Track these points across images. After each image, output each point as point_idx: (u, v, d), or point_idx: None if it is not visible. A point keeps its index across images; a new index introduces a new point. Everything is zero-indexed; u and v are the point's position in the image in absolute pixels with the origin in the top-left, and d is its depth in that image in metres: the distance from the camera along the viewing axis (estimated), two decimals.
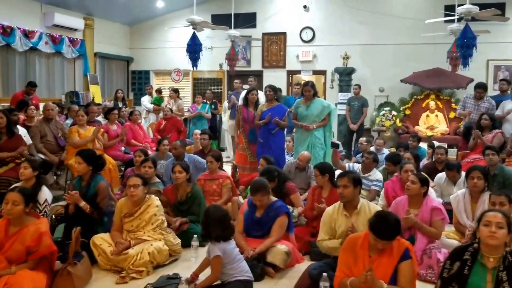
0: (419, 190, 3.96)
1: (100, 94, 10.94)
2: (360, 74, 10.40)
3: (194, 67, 8.53)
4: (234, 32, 9.58)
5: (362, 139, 7.31)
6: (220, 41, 10.74)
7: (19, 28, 8.74)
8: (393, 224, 2.77)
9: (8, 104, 8.06)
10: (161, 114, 8.96)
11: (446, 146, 8.95)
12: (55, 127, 6.61)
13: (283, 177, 4.79)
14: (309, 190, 5.01)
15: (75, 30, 10.26)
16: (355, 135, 9.53)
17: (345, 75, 10.17)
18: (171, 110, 8.51)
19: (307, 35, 10.95)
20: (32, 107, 7.11)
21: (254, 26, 11.25)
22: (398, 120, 9.47)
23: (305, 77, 11.48)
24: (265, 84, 10.54)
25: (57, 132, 6.61)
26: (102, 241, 3.92)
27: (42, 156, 6.15)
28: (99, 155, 4.57)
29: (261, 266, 3.77)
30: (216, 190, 5.36)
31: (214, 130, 9.59)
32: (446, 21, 8.55)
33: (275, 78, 10.79)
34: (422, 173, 4.40)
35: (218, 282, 3.36)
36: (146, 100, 9.64)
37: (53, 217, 4.55)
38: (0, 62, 8.70)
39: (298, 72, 11.29)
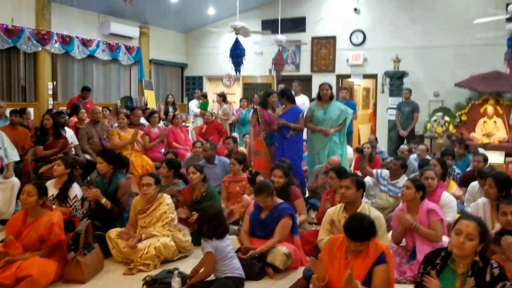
0: (415, 195, 3.84)
1: (155, 99, 11.47)
2: (413, 78, 9.99)
3: (237, 73, 8.65)
4: (280, 37, 9.64)
5: (403, 147, 6.99)
6: (270, 46, 10.77)
7: (77, 37, 9.42)
8: (364, 226, 2.75)
9: (66, 107, 8.74)
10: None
11: (504, 155, 8.43)
12: (101, 129, 7.02)
13: (289, 180, 4.72)
14: (323, 194, 4.91)
15: (131, 38, 10.84)
16: (405, 141, 9.14)
17: (395, 79, 9.81)
18: (211, 114, 8.68)
19: (358, 38, 10.72)
20: (83, 110, 7.59)
21: (303, 30, 11.23)
22: (451, 126, 8.95)
23: (356, 81, 11.22)
24: (314, 88, 10.50)
25: (102, 134, 7.00)
26: (116, 235, 4.11)
27: (88, 156, 6.58)
28: (118, 154, 4.79)
29: (259, 265, 3.77)
30: (239, 192, 5.43)
31: None
32: (507, 20, 7.99)
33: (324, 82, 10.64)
34: (418, 179, 4.25)
35: (212, 277, 3.40)
36: (193, 105, 9.94)
37: (83, 212, 4.85)
38: (59, 69, 9.38)
39: (348, 76, 11.08)
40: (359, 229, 2.73)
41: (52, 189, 4.53)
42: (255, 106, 9.68)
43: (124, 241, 3.99)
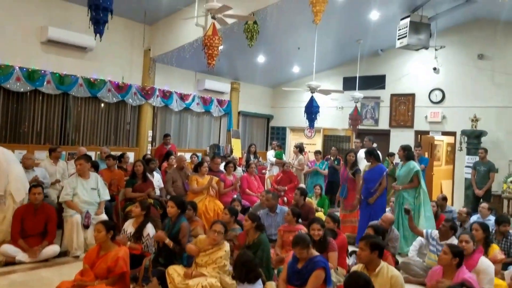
0: (451, 261, 4.00)
1: (240, 147, 12.49)
2: (492, 138, 9.80)
3: (311, 127, 9.31)
4: (357, 93, 10.21)
5: (463, 210, 7.01)
6: (349, 102, 11.34)
7: (176, 92, 10.84)
8: (360, 283, 3.09)
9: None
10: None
11: None
12: (185, 175, 8.01)
13: (328, 233, 5.15)
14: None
15: (223, 93, 12.11)
16: (481, 201, 8.95)
17: (473, 137, 9.72)
18: (290, 165, 9.37)
19: (437, 96, 10.84)
20: (173, 157, 8.69)
21: (383, 87, 11.60)
22: None
23: (436, 137, 11.21)
24: (392, 143, 10.76)
25: (186, 179, 7.98)
26: (173, 271, 4.82)
27: None
28: (184, 201, 5.63)
29: None
30: None
31: (335, 185, 9.99)
32: None
33: (402, 137, 10.86)
34: (457, 245, 4.35)
35: None
36: (270, 155, 10.71)
37: (154, 249, 5.71)
38: (159, 119, 10.82)
39: (427, 132, 11.13)
40: (355, 285, 3.12)
41: (130, 227, 5.40)
42: (331, 157, 10.30)
43: (181, 276, 4.72)
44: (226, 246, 4.80)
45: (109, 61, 9.37)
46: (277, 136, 13.66)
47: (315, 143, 12.83)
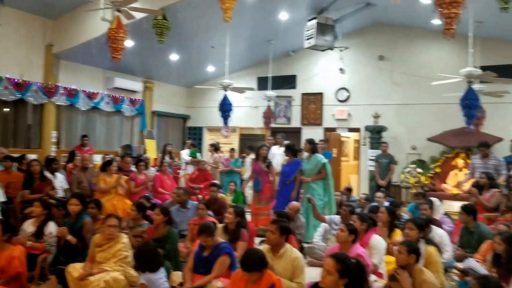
0: (347, 238, 4.27)
1: (155, 148, 12.25)
2: (393, 133, 10.55)
3: (225, 124, 9.40)
4: (270, 92, 10.49)
5: (362, 196, 7.52)
6: (264, 101, 11.56)
7: (83, 91, 10.39)
8: (253, 259, 3.20)
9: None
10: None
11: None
12: (90, 175, 7.71)
13: (242, 223, 5.24)
14: None
15: (135, 91, 11.81)
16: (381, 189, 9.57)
17: (375, 133, 10.40)
18: (205, 163, 9.38)
19: (342, 95, 11.45)
20: (78, 157, 8.28)
21: (294, 87, 12.04)
22: (423, 178, 9.38)
23: (343, 134, 11.81)
24: (303, 140, 11.12)
25: (91, 179, 7.69)
26: (74, 269, 4.63)
27: None
28: (86, 197, 5.45)
29: None
30: None
31: None
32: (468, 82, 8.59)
33: (312, 135, 11.26)
34: (351, 223, 4.65)
35: None
36: (184, 154, 10.65)
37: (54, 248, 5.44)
38: (64, 119, 10.31)
39: (335, 129, 11.70)
40: (248, 261, 3.23)
41: (30, 226, 5.14)
42: (246, 156, 10.46)
43: (77, 273, 4.53)
44: (124, 238, 4.73)
45: (4, 57, 8.76)
46: (194, 136, 13.59)
47: (232, 143, 12.94)
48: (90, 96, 10.62)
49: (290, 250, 4.11)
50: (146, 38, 8.96)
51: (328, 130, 11.78)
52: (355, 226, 4.47)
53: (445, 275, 4.53)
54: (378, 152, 10.08)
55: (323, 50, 10.06)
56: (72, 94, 10.15)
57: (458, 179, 9.05)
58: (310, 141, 7.30)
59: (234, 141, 13.10)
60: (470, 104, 6.91)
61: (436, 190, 8.98)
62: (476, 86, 7.93)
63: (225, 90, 9.39)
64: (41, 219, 5.18)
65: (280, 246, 4.10)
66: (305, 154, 7.57)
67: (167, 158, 10.80)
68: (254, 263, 3.23)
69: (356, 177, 12.52)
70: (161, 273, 3.97)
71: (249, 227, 5.68)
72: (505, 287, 3.48)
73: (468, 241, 5.29)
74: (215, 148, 10.65)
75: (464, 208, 5.41)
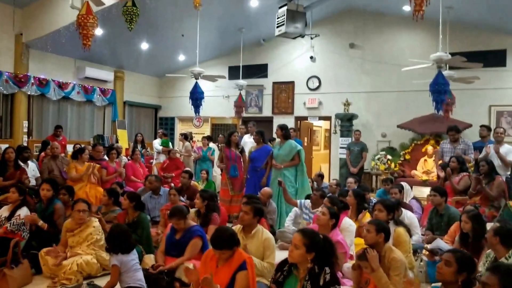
0: (328, 222, 4.37)
1: (127, 138, 12.17)
2: (363, 120, 10.78)
3: (197, 113, 9.42)
4: (241, 81, 10.55)
5: (333, 182, 7.66)
6: (236, 90, 11.63)
7: (53, 80, 10.24)
8: (223, 237, 3.26)
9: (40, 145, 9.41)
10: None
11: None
12: (61, 163, 7.64)
13: (212, 206, 5.34)
14: None
15: (106, 81, 11.69)
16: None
17: (345, 120, 10.59)
18: (177, 152, 9.39)
19: (313, 83, 11.61)
20: (51, 146, 8.20)
21: (266, 76, 12.13)
22: (393, 164, 9.64)
23: (314, 123, 11.99)
24: (275, 129, 11.25)
25: (62, 167, 7.63)
26: (45, 252, 4.68)
27: None
28: (57, 182, 5.45)
29: (167, 280, 4.30)
30: None
31: None
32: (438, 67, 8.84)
33: (284, 123, 11.39)
34: (332, 207, 4.76)
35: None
36: (156, 143, 10.64)
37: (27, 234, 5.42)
38: (35, 109, 10.14)
39: (306, 118, 11.86)
40: (219, 239, 3.26)
41: (5, 211, 5.17)
42: (219, 145, 10.51)
43: (52, 258, 4.57)
44: (94, 221, 4.80)
45: None
46: (165, 126, 13.55)
47: (204, 132, 12.97)
48: (61, 86, 10.47)
49: (262, 231, 4.19)
50: (116, 26, 8.89)
51: (299, 119, 11.93)
52: (335, 211, 4.57)
53: (415, 256, 4.64)
54: (349, 140, 10.30)
55: (294, 38, 10.13)
56: (42, 84, 9.99)
57: (428, 165, 9.33)
58: (282, 127, 7.17)
59: (206, 131, 13.13)
60: (440, 89, 7.07)
61: (406, 177, 9.26)
62: (445, 73, 8.16)
63: (196, 79, 9.40)
64: (16, 205, 5.17)
65: (252, 227, 4.19)
66: (277, 140, 7.62)
67: (139, 147, 10.80)
68: (224, 240, 3.27)
69: (327, 166, 12.76)
70: (133, 255, 4.01)
71: (221, 211, 5.79)
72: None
73: (438, 224, 5.39)
74: (185, 136, 10.64)
75: (436, 189, 5.49)
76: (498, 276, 2.23)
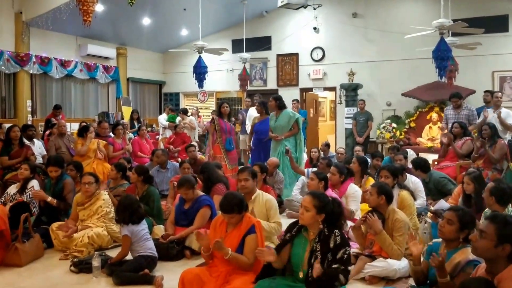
0: (318, 185, 4.55)
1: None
2: (368, 90, 10.71)
3: (200, 87, 9.40)
4: (245, 54, 10.47)
5: (340, 150, 7.69)
6: (240, 64, 11.51)
7: (55, 59, 10.20)
8: (232, 202, 3.29)
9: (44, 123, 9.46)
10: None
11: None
12: (68, 141, 7.69)
13: (215, 177, 5.36)
14: None
15: (109, 58, 11.64)
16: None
17: (350, 90, 10.53)
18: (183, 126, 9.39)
19: (318, 54, 11.51)
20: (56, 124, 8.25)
21: (269, 48, 12.01)
22: (398, 132, 9.63)
23: (320, 94, 11.93)
24: None
25: (69, 144, 7.68)
26: (57, 227, 4.75)
27: None
28: (63, 159, 5.51)
29: (178, 248, 4.39)
30: None
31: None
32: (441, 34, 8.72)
33: (289, 96, 11.34)
34: (321, 172, 4.86)
35: (130, 257, 4.03)
36: (162, 118, 10.65)
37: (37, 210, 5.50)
38: (38, 88, 10.15)
39: (311, 89, 11.80)
40: (228, 204, 3.29)
41: (13, 189, 5.26)
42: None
43: (63, 232, 4.65)
44: (103, 194, 4.86)
45: None
46: (170, 102, 13.51)
47: (209, 107, 12.96)
48: (63, 64, 10.44)
49: (261, 194, 4.29)
50: (117, 1, 8.81)
51: (304, 90, 11.88)
52: (325, 174, 4.65)
53: (419, 219, 4.73)
54: (354, 109, 10.26)
55: (296, 9, 10.03)
56: (44, 62, 9.96)
57: (433, 132, 9.31)
58: (275, 98, 7.01)
59: (211, 106, 13.11)
60: (443, 56, 7.06)
61: (411, 144, 9.24)
62: (448, 39, 8.10)
63: (200, 53, 9.34)
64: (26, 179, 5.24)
65: (252, 193, 4.26)
66: (271, 113, 7.23)
67: (135, 125, 10.71)
68: (233, 204, 3.31)
69: (333, 137, 12.75)
70: (144, 225, 4.08)
71: (229, 182, 5.83)
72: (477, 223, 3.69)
73: (429, 191, 5.53)
74: (185, 111, 10.52)
75: (413, 163, 5.69)
76: (495, 225, 2.30)
